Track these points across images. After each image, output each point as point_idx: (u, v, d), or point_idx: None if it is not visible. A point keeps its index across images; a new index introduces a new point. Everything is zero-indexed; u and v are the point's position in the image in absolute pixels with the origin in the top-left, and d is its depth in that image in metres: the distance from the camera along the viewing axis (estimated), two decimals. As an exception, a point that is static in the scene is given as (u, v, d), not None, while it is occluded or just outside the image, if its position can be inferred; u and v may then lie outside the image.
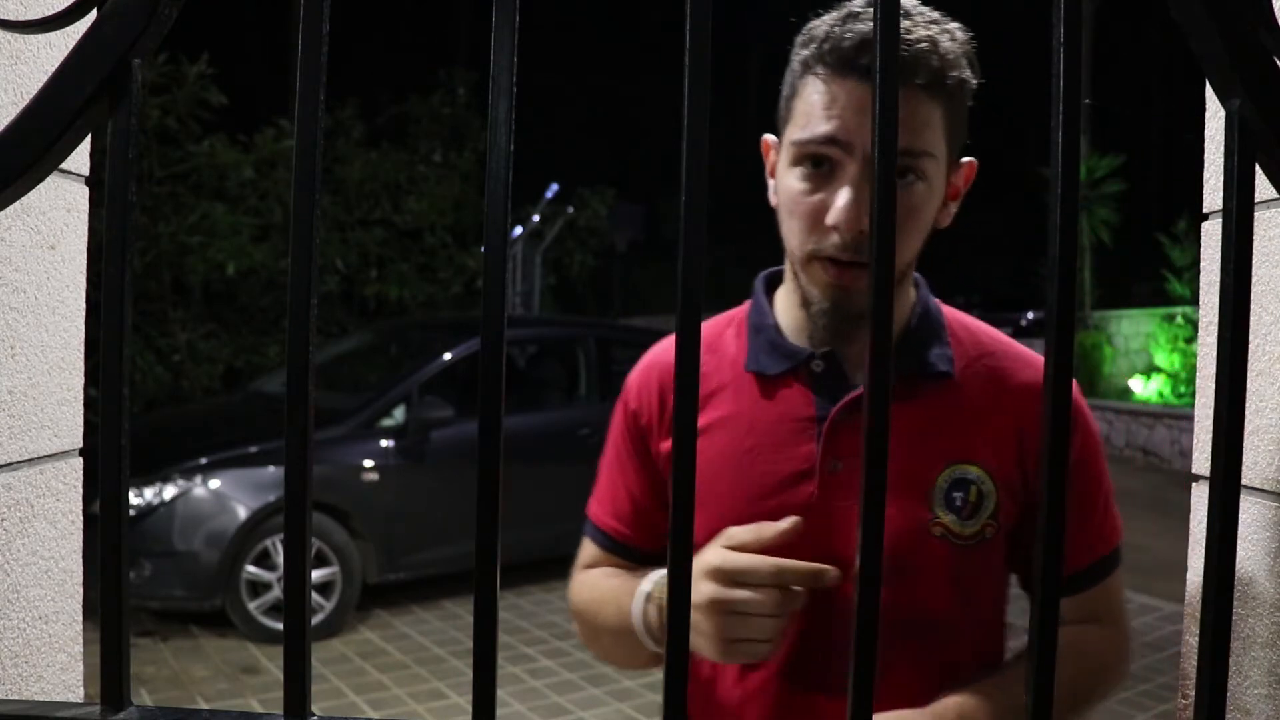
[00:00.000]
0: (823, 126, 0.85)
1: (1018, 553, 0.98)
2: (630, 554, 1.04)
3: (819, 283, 0.90)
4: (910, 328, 0.97)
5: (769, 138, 0.96)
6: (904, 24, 0.84)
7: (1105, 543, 1.03)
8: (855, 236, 0.85)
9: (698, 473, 0.85)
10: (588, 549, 1.07)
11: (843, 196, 0.85)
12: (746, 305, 1.04)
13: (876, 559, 0.49)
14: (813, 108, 0.87)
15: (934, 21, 0.87)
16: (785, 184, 0.90)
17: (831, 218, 0.85)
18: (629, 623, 0.92)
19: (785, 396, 0.95)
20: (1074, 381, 0.96)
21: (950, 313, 1.02)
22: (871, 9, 0.83)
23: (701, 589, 0.80)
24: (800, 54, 0.90)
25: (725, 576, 0.80)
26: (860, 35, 0.83)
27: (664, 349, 1.05)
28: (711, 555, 0.82)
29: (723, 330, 1.03)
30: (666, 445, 0.97)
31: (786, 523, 0.83)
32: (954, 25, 0.89)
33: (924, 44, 0.84)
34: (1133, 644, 1.07)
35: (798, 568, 0.80)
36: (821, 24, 0.88)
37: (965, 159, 0.94)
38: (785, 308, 0.99)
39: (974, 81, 0.90)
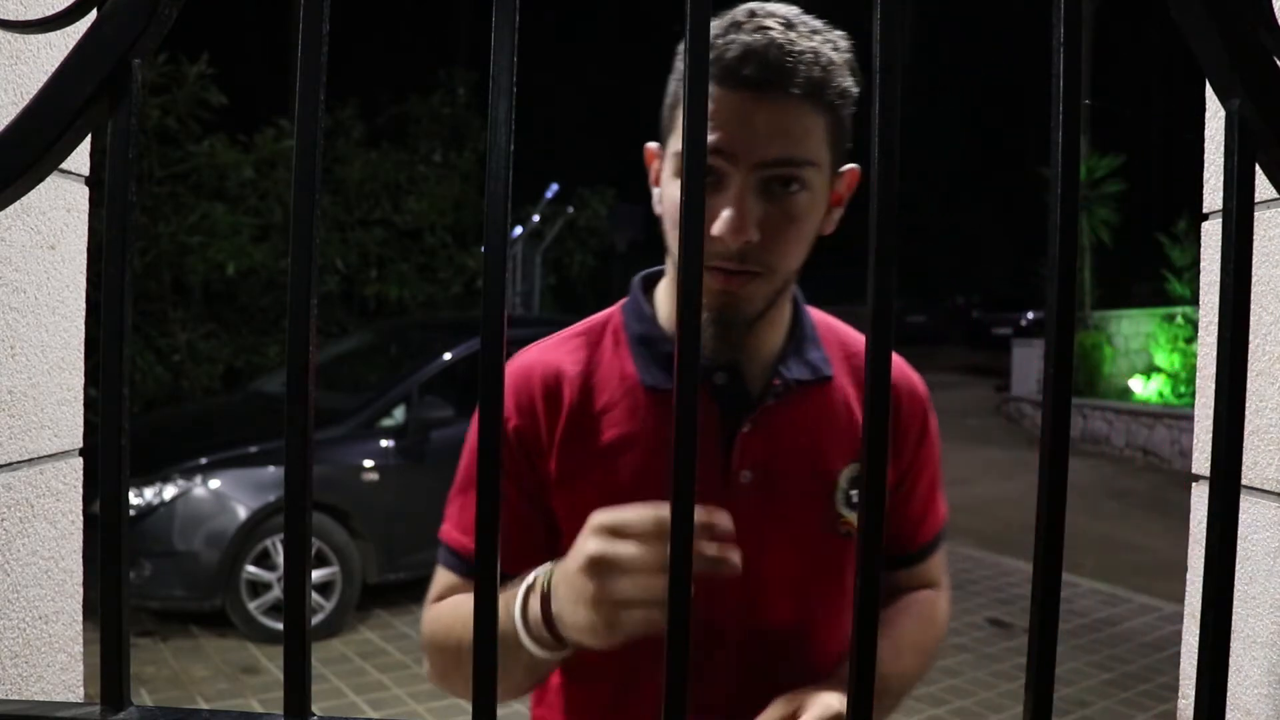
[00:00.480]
0: (707, 137, 0.84)
1: None
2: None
3: (708, 291, 0.87)
4: (796, 335, 0.99)
5: (652, 145, 0.95)
6: (787, 35, 0.84)
7: (938, 521, 1.10)
8: (742, 246, 0.85)
9: (597, 496, 0.85)
10: (442, 578, 0.98)
11: (728, 208, 0.84)
12: (617, 310, 1.01)
13: (877, 563, 0.49)
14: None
15: (816, 31, 0.87)
16: (670, 193, 0.89)
17: (717, 228, 0.84)
18: (505, 628, 0.82)
19: None
20: (904, 363, 1.01)
21: (818, 315, 1.04)
22: (754, 19, 0.84)
23: (583, 548, 0.75)
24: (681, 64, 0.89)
25: (607, 530, 0.75)
26: (744, 45, 0.83)
27: (526, 358, 1.00)
28: (594, 515, 0.77)
29: (598, 339, 0.99)
30: (556, 467, 0.94)
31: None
32: (837, 34, 0.89)
33: (807, 54, 0.84)
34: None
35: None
36: None
37: (848, 166, 0.94)
38: (669, 314, 0.97)
39: (856, 90, 0.89)
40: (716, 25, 0.86)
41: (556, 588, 0.78)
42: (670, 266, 0.95)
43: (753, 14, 0.86)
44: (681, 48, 0.85)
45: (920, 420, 1.04)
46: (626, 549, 0.73)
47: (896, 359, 0.97)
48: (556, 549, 0.88)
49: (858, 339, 1.03)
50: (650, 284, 1.03)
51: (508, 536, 0.92)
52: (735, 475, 0.94)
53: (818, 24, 0.88)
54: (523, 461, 0.96)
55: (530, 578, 0.83)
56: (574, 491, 0.94)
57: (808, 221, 0.89)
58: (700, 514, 0.74)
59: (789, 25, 0.85)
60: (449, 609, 0.95)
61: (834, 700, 0.85)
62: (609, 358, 0.98)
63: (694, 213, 0.50)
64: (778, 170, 0.85)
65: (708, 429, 0.93)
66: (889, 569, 1.07)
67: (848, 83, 0.88)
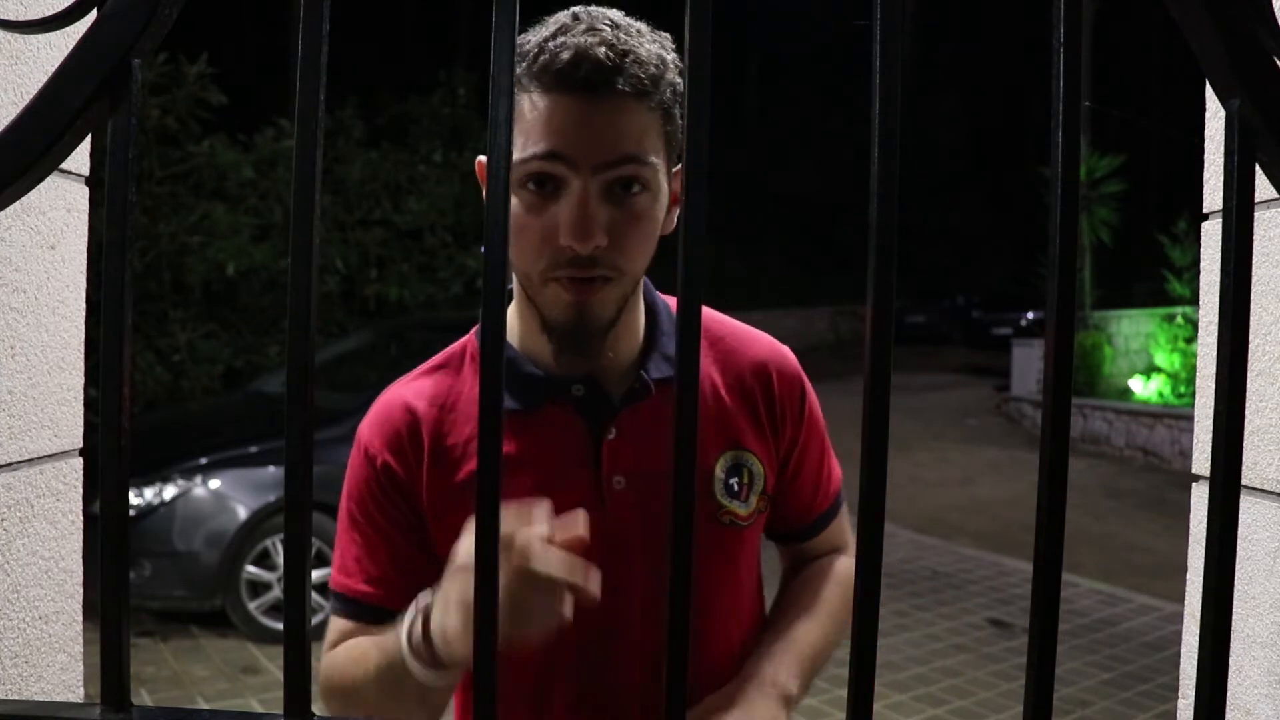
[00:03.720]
0: (542, 144, 0.83)
1: (772, 509, 1.04)
2: (391, 618, 0.88)
3: (560, 303, 0.87)
4: (654, 332, 0.98)
5: (482, 159, 0.91)
6: (616, 34, 0.84)
7: (833, 489, 1.11)
8: (591, 251, 0.84)
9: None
10: (336, 626, 0.96)
11: (567, 211, 0.83)
12: (473, 335, 1.00)
13: (876, 563, 0.49)
14: (531, 125, 0.84)
15: (641, 32, 0.87)
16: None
17: (564, 236, 0.83)
18: (394, 655, 0.82)
19: (552, 426, 0.94)
20: (776, 342, 1.03)
21: (670, 302, 1.02)
22: (579, 22, 0.84)
23: (453, 559, 0.77)
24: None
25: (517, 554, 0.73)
26: (575, 48, 0.82)
27: (389, 395, 1.00)
28: (466, 525, 0.74)
29: (455, 370, 0.99)
30: (429, 503, 0.94)
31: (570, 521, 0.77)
32: (664, 35, 0.89)
33: (638, 54, 0.84)
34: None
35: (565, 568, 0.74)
36: (530, 40, 0.85)
37: (678, 166, 0.92)
38: (523, 334, 0.96)
39: (677, 84, 0.88)
40: (542, 32, 0.85)
41: (434, 604, 0.79)
42: (516, 286, 0.93)
43: (577, 17, 0.85)
44: (520, 48, 0.84)
45: (797, 395, 1.03)
46: (540, 554, 0.72)
47: (758, 334, 1.05)
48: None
49: (723, 325, 1.03)
50: None
51: (392, 575, 0.94)
52: (609, 483, 0.93)
53: (642, 25, 0.88)
54: (395, 497, 0.95)
55: (419, 602, 0.82)
56: (446, 524, 0.92)
57: (651, 221, 0.88)
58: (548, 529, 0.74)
59: (615, 26, 0.85)
60: (343, 654, 0.94)
61: None
62: (469, 385, 0.97)
63: (694, 211, 0.50)
64: (619, 171, 0.84)
65: (573, 443, 0.93)
66: (793, 542, 1.10)
67: (678, 81, 0.87)
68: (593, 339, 0.90)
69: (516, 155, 0.84)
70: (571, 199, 0.83)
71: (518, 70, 0.85)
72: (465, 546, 0.76)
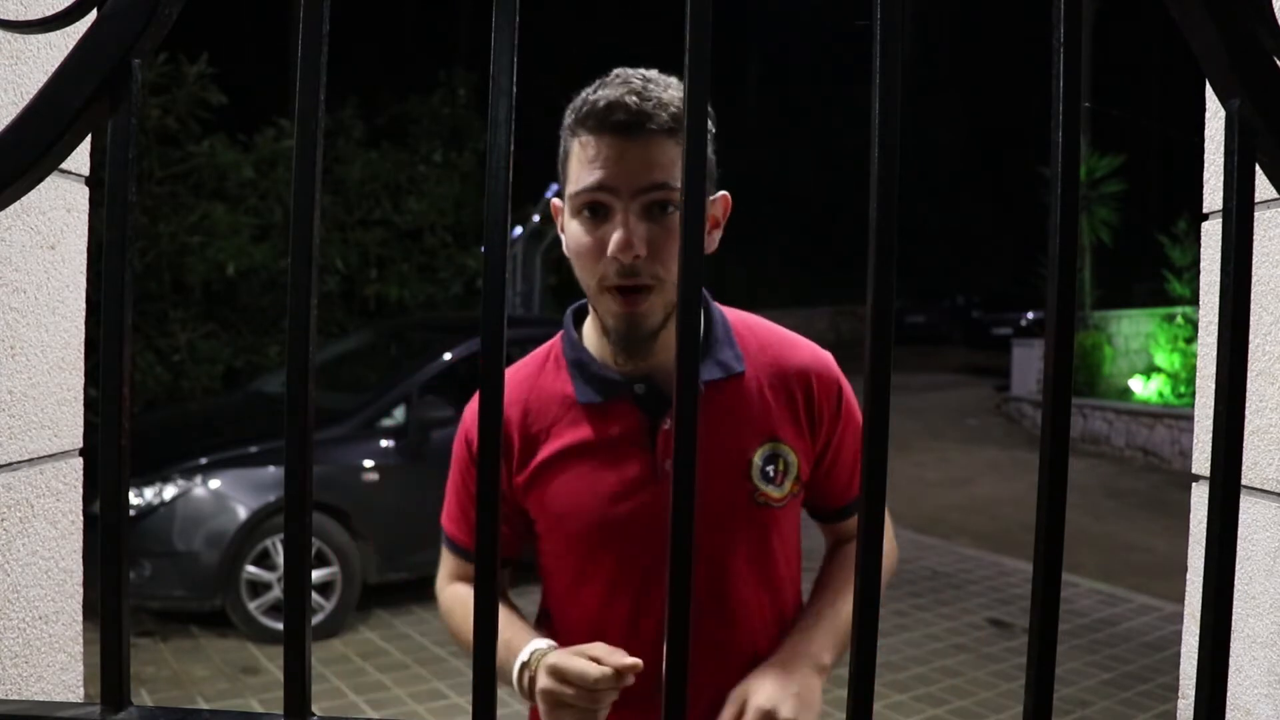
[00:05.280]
0: (591, 178, 1.03)
1: (809, 493, 1.21)
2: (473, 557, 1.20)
3: (612, 313, 1.06)
4: (708, 340, 1.15)
5: (556, 200, 1.13)
6: (645, 85, 1.03)
7: None
8: (632, 261, 1.01)
9: (555, 497, 1.13)
10: (447, 558, 1.27)
11: (617, 231, 1.01)
12: (558, 339, 1.21)
13: (877, 566, 0.49)
14: (581, 164, 1.04)
15: (670, 86, 1.05)
16: (571, 232, 1.07)
17: (611, 249, 1.01)
18: (506, 671, 1.07)
19: (616, 419, 1.13)
20: (823, 351, 1.20)
21: (733, 315, 1.20)
22: (617, 78, 1.04)
23: (539, 680, 1.01)
24: (566, 123, 1.07)
25: (555, 673, 0.99)
26: (608, 98, 1.01)
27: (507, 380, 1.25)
28: (552, 655, 1.02)
29: (540, 368, 1.19)
30: (519, 478, 1.16)
31: (614, 662, 0.98)
32: None
33: (663, 99, 1.02)
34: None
35: (608, 680, 0.97)
36: (580, 97, 1.05)
37: (719, 193, 1.12)
38: (593, 339, 1.16)
39: (713, 129, 1.05)
40: (588, 89, 1.05)
41: (539, 674, 1.02)
42: (590, 302, 1.12)
43: (616, 75, 1.05)
44: (571, 105, 1.05)
45: (834, 396, 1.18)
46: (565, 691, 0.98)
47: (803, 341, 1.22)
48: (533, 535, 1.19)
49: (773, 333, 1.20)
50: (580, 316, 1.21)
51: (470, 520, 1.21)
52: (661, 466, 1.11)
53: (672, 79, 1.06)
54: (470, 463, 1.19)
55: (525, 655, 1.06)
56: (536, 495, 1.15)
57: None
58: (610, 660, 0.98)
59: (647, 80, 1.04)
60: (461, 604, 1.22)
61: (763, 699, 1.04)
62: (550, 380, 1.17)
63: (695, 211, 0.50)
64: (654, 195, 1.02)
65: (635, 432, 1.12)
66: (832, 521, 1.26)
67: (706, 123, 1.01)
68: (642, 342, 1.08)
69: (572, 189, 1.05)
70: (616, 220, 1.02)
71: (570, 120, 1.06)
72: (545, 681, 1.00)
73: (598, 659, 0.99)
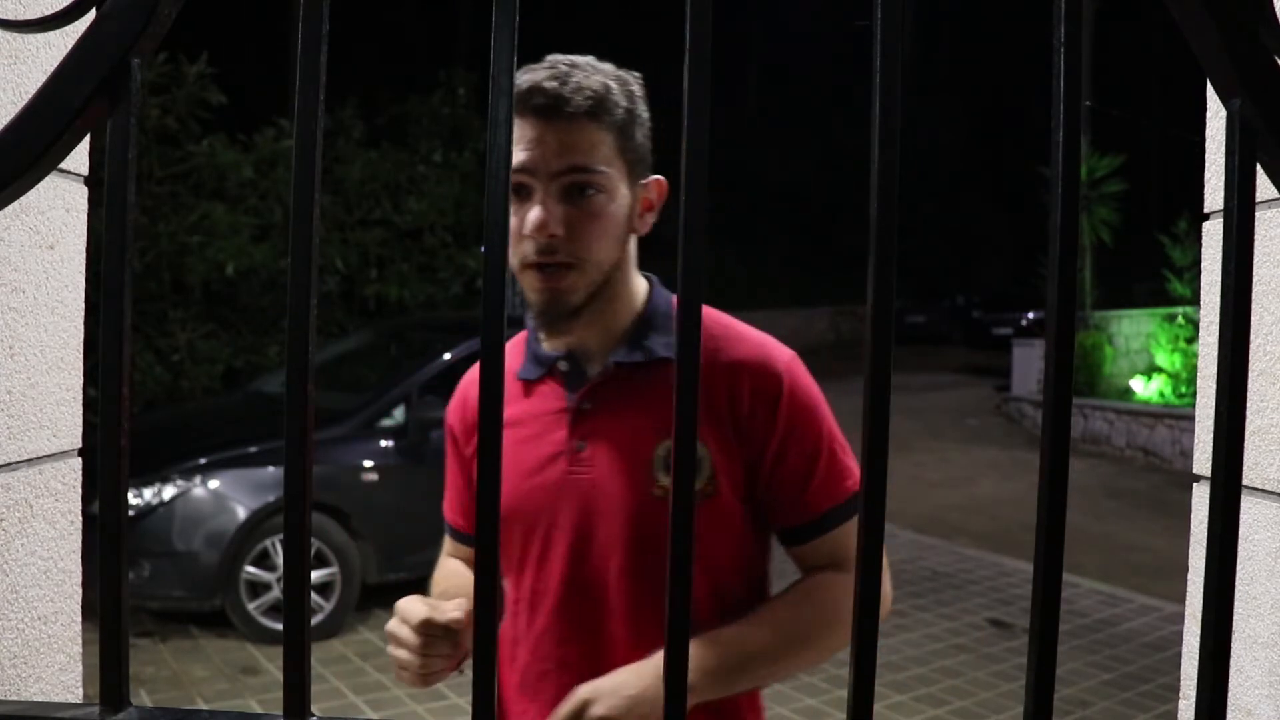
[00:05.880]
0: (515, 160, 1.02)
1: (763, 509, 1.13)
2: (468, 540, 1.26)
3: (534, 289, 1.07)
4: (640, 323, 1.13)
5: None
6: (568, 70, 1.03)
7: (834, 494, 1.12)
8: (547, 240, 1.03)
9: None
10: (445, 540, 1.33)
11: (532, 211, 1.03)
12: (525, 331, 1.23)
13: (877, 566, 0.49)
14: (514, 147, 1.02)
15: (598, 70, 1.06)
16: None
17: (525, 229, 1.03)
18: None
19: (543, 394, 1.15)
20: (783, 349, 1.15)
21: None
22: (544, 63, 1.04)
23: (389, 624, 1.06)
24: None
25: (398, 612, 1.04)
26: (530, 82, 1.02)
27: (470, 373, 1.26)
28: (402, 602, 1.06)
29: (512, 346, 1.20)
30: (467, 450, 1.22)
31: (440, 616, 1.02)
32: (628, 74, 1.09)
33: (582, 84, 1.03)
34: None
35: (428, 626, 1.02)
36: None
37: (653, 176, 1.12)
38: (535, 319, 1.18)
39: (643, 115, 1.09)
40: (519, 72, 1.04)
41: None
42: (517, 278, 1.13)
43: (546, 60, 1.06)
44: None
45: (770, 398, 1.09)
46: (401, 632, 1.03)
47: (756, 339, 1.14)
48: None
49: (723, 328, 1.13)
50: None
51: (457, 508, 1.28)
52: (573, 444, 1.12)
53: (606, 66, 1.07)
54: (453, 451, 1.26)
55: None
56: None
57: (608, 219, 1.06)
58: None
59: (573, 64, 1.05)
60: (447, 572, 1.28)
61: (587, 690, 1.00)
62: (511, 358, 1.18)
63: (694, 211, 0.50)
64: (571, 177, 1.03)
65: (555, 407, 1.13)
66: (794, 543, 1.14)
67: (633, 107, 1.07)
68: (563, 319, 1.07)
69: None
70: (534, 200, 1.03)
71: None
72: (391, 622, 1.06)
73: (438, 609, 1.02)
